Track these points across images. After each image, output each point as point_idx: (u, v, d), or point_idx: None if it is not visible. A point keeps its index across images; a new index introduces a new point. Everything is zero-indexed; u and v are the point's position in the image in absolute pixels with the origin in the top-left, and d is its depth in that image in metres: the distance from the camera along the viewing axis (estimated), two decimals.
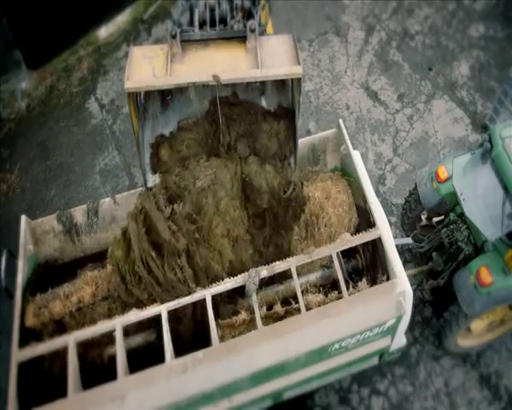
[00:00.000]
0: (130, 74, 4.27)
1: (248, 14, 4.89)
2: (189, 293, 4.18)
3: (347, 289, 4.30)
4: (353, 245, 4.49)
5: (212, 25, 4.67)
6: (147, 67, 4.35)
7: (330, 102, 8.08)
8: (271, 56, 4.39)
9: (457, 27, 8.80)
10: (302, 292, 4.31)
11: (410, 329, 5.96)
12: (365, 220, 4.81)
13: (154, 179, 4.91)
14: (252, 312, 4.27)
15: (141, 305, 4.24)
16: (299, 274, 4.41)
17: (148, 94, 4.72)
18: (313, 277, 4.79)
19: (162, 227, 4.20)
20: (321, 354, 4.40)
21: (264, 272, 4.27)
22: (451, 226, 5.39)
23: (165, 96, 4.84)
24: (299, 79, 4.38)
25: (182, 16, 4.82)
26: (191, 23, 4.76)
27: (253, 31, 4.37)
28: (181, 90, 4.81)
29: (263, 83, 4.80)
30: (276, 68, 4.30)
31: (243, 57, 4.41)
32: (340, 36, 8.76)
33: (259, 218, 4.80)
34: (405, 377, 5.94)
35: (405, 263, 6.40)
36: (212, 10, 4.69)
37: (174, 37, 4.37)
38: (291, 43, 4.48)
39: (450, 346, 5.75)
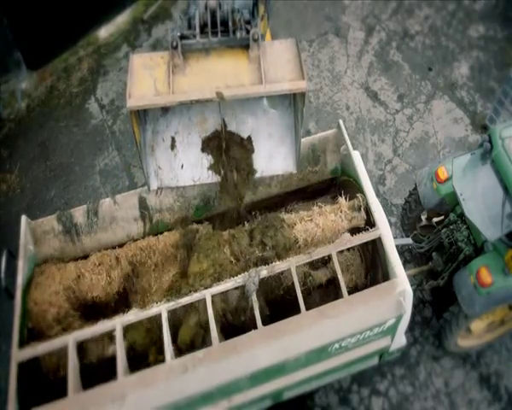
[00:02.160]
0: (132, 90, 4.20)
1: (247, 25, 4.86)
2: None
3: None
4: (353, 245, 4.50)
5: (213, 27, 4.56)
6: (148, 79, 4.28)
7: (330, 102, 8.08)
8: (275, 66, 4.33)
9: (457, 28, 8.80)
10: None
11: (410, 329, 5.97)
12: (365, 220, 4.81)
13: (156, 183, 4.91)
14: None
15: None
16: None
17: None
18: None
19: None
20: (321, 353, 4.40)
21: (264, 272, 4.27)
22: (451, 226, 5.39)
23: None
24: (303, 93, 4.33)
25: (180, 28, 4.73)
26: (190, 26, 4.67)
27: (256, 40, 4.31)
28: None
29: None
30: (279, 84, 4.24)
31: (246, 67, 4.35)
32: (340, 36, 8.76)
33: None
34: (405, 378, 5.94)
35: (405, 263, 6.42)
36: (213, 12, 4.57)
37: (175, 48, 4.28)
38: (294, 50, 4.43)
39: (450, 346, 5.75)
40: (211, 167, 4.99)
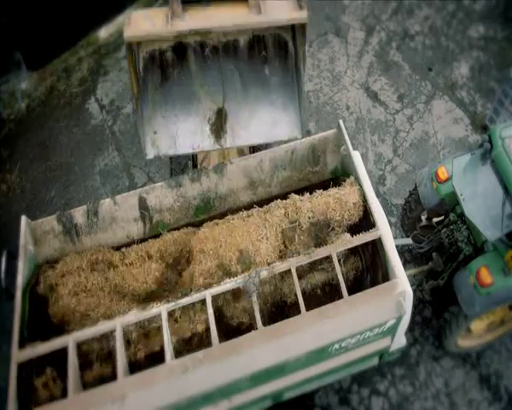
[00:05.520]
0: (130, 26, 4.22)
1: None
2: None
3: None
4: (353, 245, 4.49)
5: None
6: (147, 22, 4.33)
7: (330, 102, 8.08)
8: (275, 8, 4.40)
9: (457, 28, 8.81)
10: None
11: (410, 329, 5.97)
12: (365, 221, 4.81)
13: (153, 151, 4.87)
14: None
15: None
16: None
17: (147, 67, 4.65)
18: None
19: None
20: (321, 354, 4.40)
21: (265, 272, 4.27)
22: (451, 227, 5.39)
23: (165, 70, 4.78)
24: (303, 26, 4.33)
25: None
26: None
27: None
28: (181, 62, 4.72)
29: (265, 49, 4.76)
30: (279, 13, 4.33)
31: (246, 13, 4.42)
32: (340, 36, 8.77)
33: None
34: (405, 378, 5.94)
35: (405, 263, 6.41)
36: None
37: None
38: None
39: (450, 346, 5.75)
40: (211, 136, 4.94)
